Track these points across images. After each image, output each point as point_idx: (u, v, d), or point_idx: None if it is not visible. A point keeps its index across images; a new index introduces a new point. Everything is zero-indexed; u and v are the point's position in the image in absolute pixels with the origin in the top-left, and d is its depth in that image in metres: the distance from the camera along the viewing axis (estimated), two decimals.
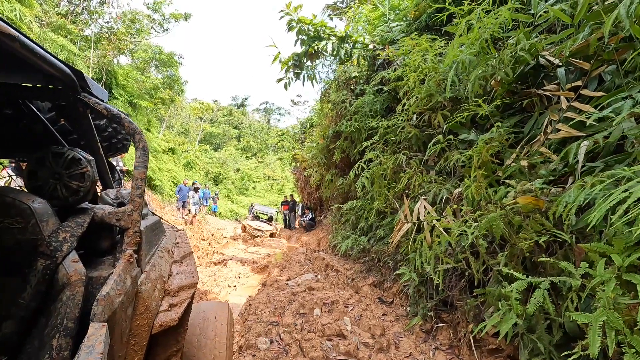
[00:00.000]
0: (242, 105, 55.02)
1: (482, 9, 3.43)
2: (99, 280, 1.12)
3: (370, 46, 7.04)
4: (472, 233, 2.34)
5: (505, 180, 2.77)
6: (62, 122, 1.84)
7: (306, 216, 14.63)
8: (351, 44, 7.20)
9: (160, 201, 15.01)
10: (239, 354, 2.90)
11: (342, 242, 6.14)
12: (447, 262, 2.74)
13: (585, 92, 2.78)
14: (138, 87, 17.91)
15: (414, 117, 4.80)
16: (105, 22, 16.18)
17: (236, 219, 23.69)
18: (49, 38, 12.39)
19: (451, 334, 2.93)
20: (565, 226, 1.71)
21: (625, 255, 1.48)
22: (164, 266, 1.59)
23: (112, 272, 1.12)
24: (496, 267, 2.30)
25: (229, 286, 6.27)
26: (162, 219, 2.13)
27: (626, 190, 1.46)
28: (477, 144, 3.01)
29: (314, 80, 7.85)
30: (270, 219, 16.76)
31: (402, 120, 4.92)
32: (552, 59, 3.29)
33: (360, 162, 5.40)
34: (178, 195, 13.90)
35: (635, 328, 1.26)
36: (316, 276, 5.48)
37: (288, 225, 17.67)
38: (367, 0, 9.66)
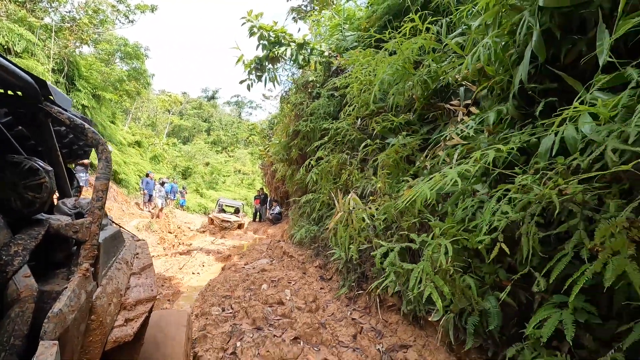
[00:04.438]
0: (212, 98, 54.12)
1: (399, 39, 4.17)
2: (51, 295, 1.07)
3: (326, 53, 7.69)
4: (374, 217, 3.08)
5: (407, 178, 3.54)
6: (20, 128, 1.77)
7: (273, 209, 15.19)
8: (309, 50, 7.82)
9: (125, 195, 15.01)
10: (195, 319, 3.50)
11: (298, 232, 6.83)
12: (360, 242, 3.48)
13: (472, 109, 3.59)
14: (102, 78, 17.58)
15: (358, 121, 5.52)
16: (67, 12, 15.78)
17: (205, 213, 23.77)
18: (6, 27, 12.05)
19: (367, 299, 3.69)
20: (417, 209, 2.45)
21: (448, 227, 2.24)
22: (122, 279, 1.55)
23: (66, 287, 1.08)
24: (389, 243, 3.05)
25: (193, 273, 6.78)
26: (123, 227, 2.19)
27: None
28: (389, 149, 3.76)
29: (275, 82, 8.44)
30: (237, 211, 17.21)
31: (347, 123, 5.63)
32: (457, 77, 4.10)
33: (311, 159, 6.08)
34: (145, 190, 13.98)
35: (436, 271, 2.01)
36: (271, 261, 6.14)
37: (259, 218, 18.13)
38: (328, 7, 10.29)
